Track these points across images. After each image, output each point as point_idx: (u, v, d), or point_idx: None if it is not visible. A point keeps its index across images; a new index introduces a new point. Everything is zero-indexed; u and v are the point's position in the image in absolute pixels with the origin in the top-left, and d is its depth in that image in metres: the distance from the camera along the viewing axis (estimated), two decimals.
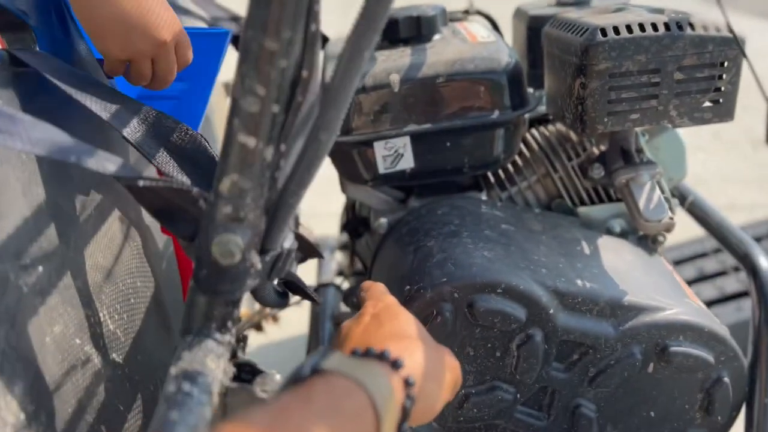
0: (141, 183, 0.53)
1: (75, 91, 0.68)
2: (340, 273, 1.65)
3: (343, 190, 1.03)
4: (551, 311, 0.77)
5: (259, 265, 0.52)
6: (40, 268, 0.63)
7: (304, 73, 0.46)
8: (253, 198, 0.48)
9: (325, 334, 1.26)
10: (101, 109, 0.68)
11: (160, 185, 0.54)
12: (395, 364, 0.50)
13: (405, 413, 0.49)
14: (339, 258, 1.72)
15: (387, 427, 0.46)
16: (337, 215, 1.73)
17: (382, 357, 0.50)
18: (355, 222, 1.23)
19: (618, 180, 0.90)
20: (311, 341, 1.36)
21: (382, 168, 0.91)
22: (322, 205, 2.52)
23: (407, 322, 0.60)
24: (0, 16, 0.71)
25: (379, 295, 0.67)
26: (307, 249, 0.62)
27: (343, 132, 0.90)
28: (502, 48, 0.92)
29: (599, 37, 0.80)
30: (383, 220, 0.96)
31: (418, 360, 0.54)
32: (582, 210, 0.98)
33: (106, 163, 0.54)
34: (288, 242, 0.56)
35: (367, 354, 0.51)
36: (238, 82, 0.44)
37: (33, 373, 0.58)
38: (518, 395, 0.82)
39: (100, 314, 0.74)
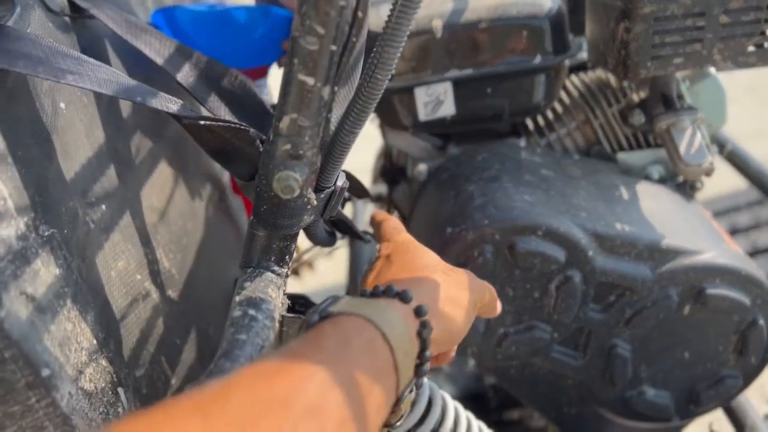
0: (202, 122, 0.56)
1: (130, 37, 0.70)
2: None
3: (383, 136, 1.05)
4: (590, 253, 0.79)
5: (315, 202, 0.54)
6: (104, 206, 0.66)
7: (359, 13, 0.48)
8: (311, 136, 0.50)
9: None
10: (155, 54, 0.70)
11: (221, 125, 0.56)
12: (403, 297, 0.50)
13: (423, 341, 0.49)
14: (372, 209, 1.75)
15: (403, 358, 0.46)
16: (367, 170, 1.75)
17: (388, 292, 0.51)
18: (392, 170, 1.25)
19: (659, 125, 0.91)
20: (350, 290, 1.40)
21: (422, 114, 0.93)
22: (351, 158, 2.53)
23: (419, 255, 0.61)
24: None
25: (390, 234, 0.67)
26: (357, 188, 0.65)
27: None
28: None
29: None
30: (423, 167, 0.98)
31: (430, 287, 0.55)
32: (621, 156, 0.99)
33: (168, 103, 0.57)
34: (340, 181, 0.58)
35: (374, 293, 0.52)
36: (299, 22, 0.46)
37: (101, 303, 0.62)
38: (555, 335, 0.84)
39: (157, 253, 0.78)
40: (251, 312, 0.49)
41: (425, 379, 0.62)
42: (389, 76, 0.49)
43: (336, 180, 0.57)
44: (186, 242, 0.89)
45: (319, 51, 0.46)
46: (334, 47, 0.47)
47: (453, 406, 0.66)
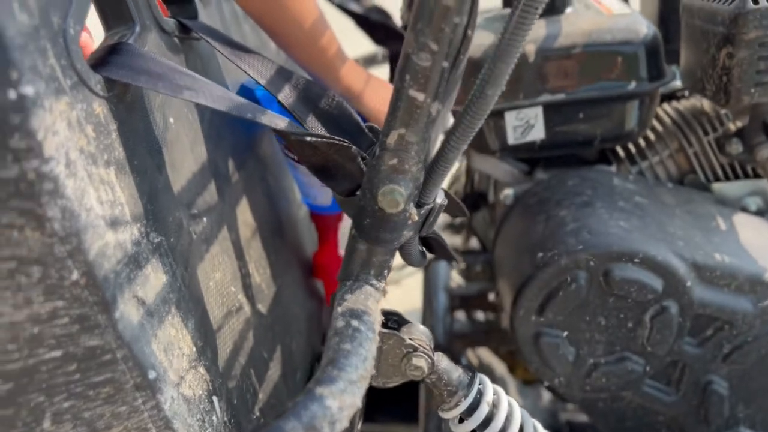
0: (308, 139, 0.57)
1: (235, 58, 0.73)
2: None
3: (468, 160, 1.05)
4: (688, 283, 0.76)
5: (416, 217, 0.54)
6: (205, 219, 0.68)
7: (469, 31, 0.49)
8: (417, 151, 0.51)
9: (438, 305, 1.29)
10: (258, 75, 0.73)
11: (324, 141, 0.57)
12: None
13: None
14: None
15: None
16: None
17: None
18: (473, 196, 1.24)
19: (760, 155, 0.87)
20: (426, 313, 1.39)
21: (511, 138, 0.92)
22: None
23: None
24: None
25: None
26: (454, 207, 0.65)
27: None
28: (640, 20, 0.91)
29: (750, 4, 0.77)
30: (509, 191, 0.97)
31: None
32: (716, 186, 0.96)
33: (276, 120, 0.58)
34: (439, 198, 0.58)
35: None
36: (412, 39, 0.47)
37: (201, 312, 0.63)
38: (648, 368, 0.81)
39: (249, 267, 0.80)
40: (354, 323, 0.49)
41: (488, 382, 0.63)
42: (499, 94, 0.49)
43: (435, 197, 0.57)
44: (273, 258, 0.90)
45: (432, 67, 0.47)
46: (446, 64, 0.47)
47: (519, 411, 0.65)
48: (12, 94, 0.41)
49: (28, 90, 0.42)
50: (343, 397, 0.43)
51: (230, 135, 0.82)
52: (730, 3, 0.80)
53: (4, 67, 0.41)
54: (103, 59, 0.54)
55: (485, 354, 1.50)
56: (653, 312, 0.77)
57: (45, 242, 0.45)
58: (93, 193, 0.47)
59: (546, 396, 1.46)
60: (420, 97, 0.48)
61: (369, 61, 1.97)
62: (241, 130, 0.87)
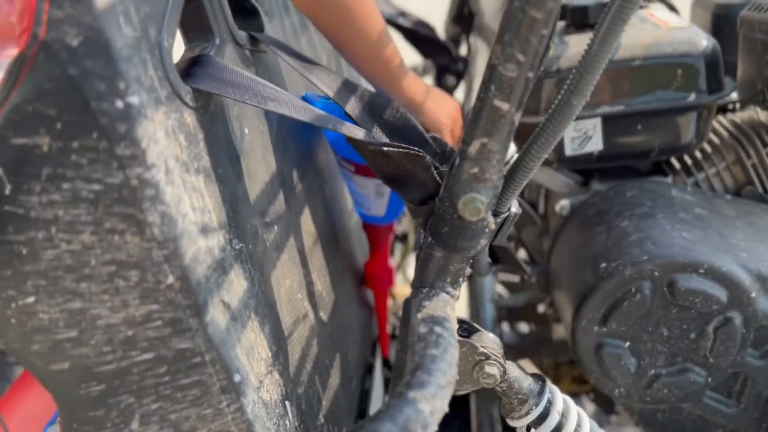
0: (384, 149, 0.58)
1: (303, 70, 0.74)
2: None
3: None
4: (753, 295, 0.76)
5: (492, 226, 0.55)
6: (276, 227, 0.70)
7: (551, 42, 0.49)
8: (498, 160, 0.52)
9: (486, 316, 1.29)
10: (326, 87, 0.74)
11: (400, 151, 0.59)
12: None
13: None
14: None
15: None
16: None
17: None
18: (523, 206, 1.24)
19: None
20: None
21: (569, 149, 0.93)
22: None
23: None
24: (236, 2, 0.78)
25: None
26: (525, 218, 0.65)
27: (532, 112, 0.92)
28: (699, 32, 0.91)
29: None
30: (566, 202, 0.98)
31: None
32: None
33: (354, 130, 0.60)
34: (514, 207, 0.59)
35: None
36: (499, 51, 0.48)
37: (274, 318, 0.65)
38: (709, 379, 0.81)
39: (312, 275, 0.81)
40: (437, 329, 0.50)
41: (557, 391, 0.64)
42: (583, 104, 0.50)
43: (510, 206, 0.58)
44: (332, 267, 0.92)
45: (517, 77, 0.48)
46: (530, 74, 0.48)
47: (588, 420, 0.65)
48: (120, 104, 0.43)
49: (134, 100, 0.43)
50: (434, 401, 0.44)
51: (294, 145, 0.84)
52: None
53: (113, 77, 0.42)
54: (188, 71, 0.55)
55: (527, 366, 1.49)
56: (717, 323, 0.77)
57: (144, 247, 0.46)
58: (187, 199, 0.48)
59: (589, 408, 1.45)
60: (504, 106, 0.49)
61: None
62: (303, 140, 0.89)
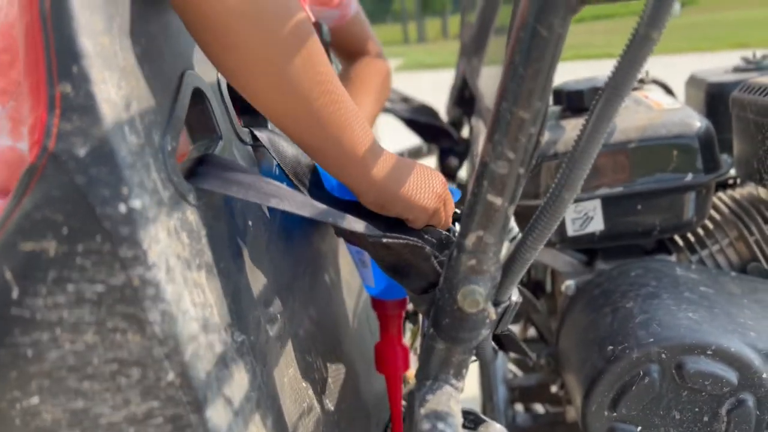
0: (384, 240, 0.59)
1: (292, 171, 0.76)
2: None
3: None
4: (765, 375, 0.75)
5: (493, 316, 0.55)
6: (279, 316, 0.70)
7: (540, 138, 0.51)
8: (494, 252, 0.53)
9: (499, 398, 1.27)
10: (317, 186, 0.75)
11: (400, 242, 0.60)
12: None
13: None
14: None
15: None
16: None
17: None
18: (531, 285, 1.24)
19: None
20: (485, 405, 1.37)
21: (570, 230, 0.94)
22: None
23: None
24: (241, 101, 0.81)
25: None
26: (527, 307, 0.66)
27: (532, 196, 0.93)
28: (691, 113, 0.93)
29: None
30: (571, 282, 0.98)
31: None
32: None
33: (354, 223, 0.61)
34: (515, 295, 0.59)
35: None
36: (489, 149, 0.49)
37: (277, 410, 0.64)
38: None
39: (317, 362, 0.81)
40: (440, 426, 0.50)
41: None
42: (574, 197, 0.51)
43: (511, 294, 0.58)
44: (338, 352, 0.91)
45: (509, 174, 0.49)
46: (522, 170, 0.50)
47: None
48: (123, 208, 0.44)
49: (136, 203, 0.45)
50: None
51: (297, 231, 0.85)
52: None
53: (117, 184, 0.44)
54: (193, 170, 0.57)
55: None
56: (729, 405, 0.76)
57: (145, 345, 0.47)
58: (188, 296, 0.49)
59: None
60: (498, 201, 0.50)
61: (414, 153, 2.03)
62: (306, 224, 0.90)
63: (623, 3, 0.49)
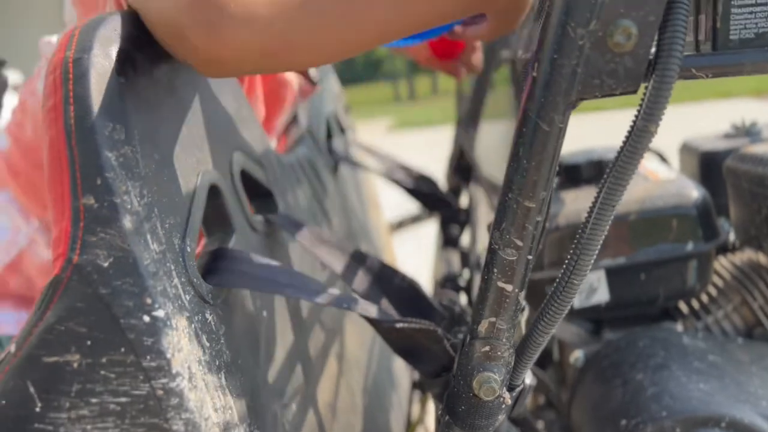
0: (398, 325, 0.60)
1: (312, 247, 0.78)
2: None
3: None
4: None
5: (509, 401, 0.56)
6: (294, 406, 0.70)
7: (546, 223, 0.53)
8: (507, 338, 0.54)
9: None
10: (334, 261, 0.77)
11: (413, 327, 0.61)
12: None
13: None
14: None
15: None
16: None
17: None
18: (539, 356, 1.24)
19: None
20: None
21: (576, 302, 0.94)
22: None
23: None
24: (252, 187, 0.83)
25: None
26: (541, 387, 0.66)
27: (537, 268, 0.95)
28: (687, 183, 0.95)
29: None
30: (579, 353, 0.98)
31: None
32: None
33: (368, 308, 0.62)
34: (529, 378, 0.60)
35: None
36: (498, 237, 0.51)
37: None
38: None
39: None
40: None
41: None
42: (582, 282, 0.52)
43: (525, 378, 0.59)
44: (357, 423, 0.91)
45: (517, 261, 0.51)
46: (530, 257, 0.51)
47: None
48: (146, 318, 0.45)
49: (160, 313, 0.46)
50: None
51: (310, 314, 0.86)
52: None
53: (140, 294, 0.45)
54: (209, 266, 0.59)
55: None
56: None
57: None
58: (210, 401, 0.50)
59: None
60: (508, 288, 0.52)
61: (415, 219, 2.06)
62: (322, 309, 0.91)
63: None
